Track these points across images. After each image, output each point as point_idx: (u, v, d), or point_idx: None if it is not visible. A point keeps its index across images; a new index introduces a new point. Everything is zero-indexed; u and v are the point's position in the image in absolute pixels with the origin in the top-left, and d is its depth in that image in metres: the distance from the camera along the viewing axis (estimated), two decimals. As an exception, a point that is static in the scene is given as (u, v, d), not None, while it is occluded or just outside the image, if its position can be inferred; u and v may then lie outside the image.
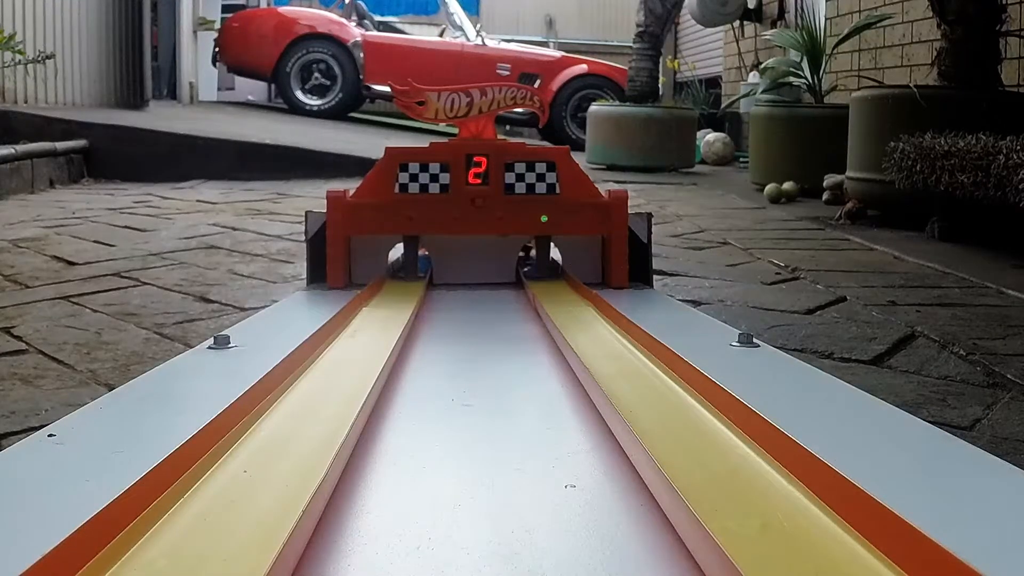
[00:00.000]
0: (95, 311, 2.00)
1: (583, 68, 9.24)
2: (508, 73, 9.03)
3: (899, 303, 2.23)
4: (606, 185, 1.89)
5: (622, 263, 1.74)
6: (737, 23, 8.80)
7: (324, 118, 8.79)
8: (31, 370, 1.55)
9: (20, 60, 5.25)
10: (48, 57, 5.57)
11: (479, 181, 1.74)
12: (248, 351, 1.15)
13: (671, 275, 2.55)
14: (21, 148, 4.56)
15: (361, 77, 9.02)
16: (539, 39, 13.09)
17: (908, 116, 3.65)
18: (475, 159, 1.74)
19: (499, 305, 1.61)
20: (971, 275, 2.62)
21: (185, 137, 5.70)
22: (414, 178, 1.74)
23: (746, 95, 6.61)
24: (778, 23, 8.07)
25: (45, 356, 1.64)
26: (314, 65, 9.07)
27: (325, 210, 1.72)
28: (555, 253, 1.83)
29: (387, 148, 1.78)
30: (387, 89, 8.04)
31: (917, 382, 1.57)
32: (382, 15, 11.44)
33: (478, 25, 10.01)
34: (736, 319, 1.95)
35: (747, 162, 6.31)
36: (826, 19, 6.52)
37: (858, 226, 3.88)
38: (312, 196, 4.42)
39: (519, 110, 1.90)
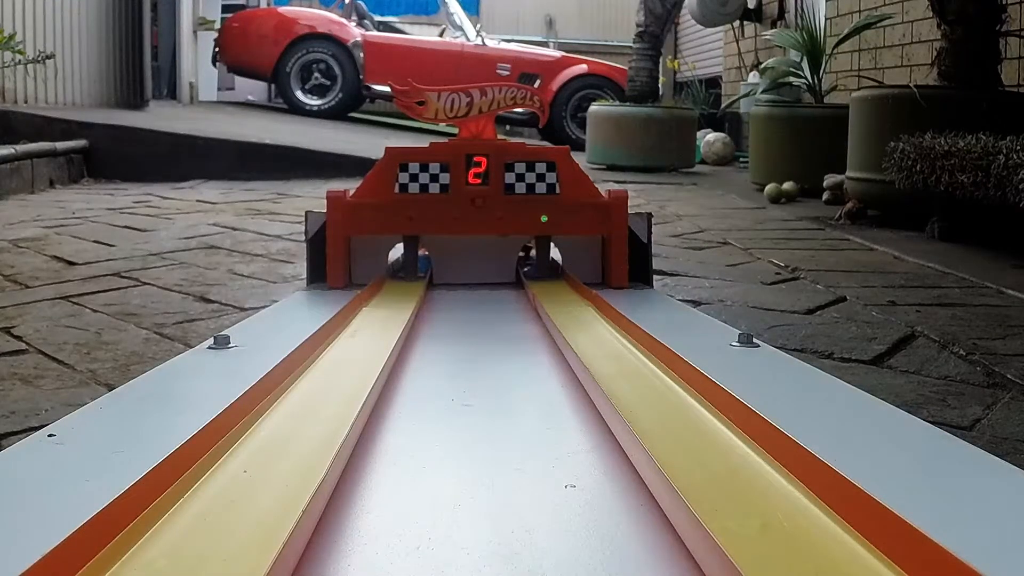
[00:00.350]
0: (95, 311, 2.00)
1: (583, 68, 9.24)
2: (508, 73, 9.03)
3: (899, 303, 2.23)
4: (606, 185, 1.89)
5: (622, 263, 1.74)
6: (737, 23, 8.80)
7: (324, 118, 8.80)
8: (31, 370, 1.55)
9: (20, 60, 5.25)
10: (48, 57, 5.57)
11: (479, 181, 1.74)
12: (248, 351, 1.15)
13: (671, 275, 2.55)
14: (21, 148, 4.56)
15: (361, 77, 9.02)
16: (539, 39, 13.10)
17: (908, 116, 3.65)
18: (475, 159, 1.74)
19: (499, 305, 1.61)
20: (971, 275, 2.62)
21: (185, 137, 5.70)
22: (414, 178, 1.74)
23: (746, 95, 6.61)
24: (778, 23, 8.07)
25: (45, 356, 1.64)
26: (314, 65, 9.07)
27: (325, 210, 1.72)
28: (555, 253, 1.83)
29: (387, 148, 1.78)
30: (387, 89, 8.05)
31: (917, 382, 1.57)
32: (382, 15, 11.44)
33: (478, 25, 10.01)
34: (736, 319, 1.95)
35: (747, 162, 6.31)
36: (826, 19, 6.52)
37: (858, 226, 3.88)
38: (312, 196, 4.43)
39: (519, 110, 1.90)
